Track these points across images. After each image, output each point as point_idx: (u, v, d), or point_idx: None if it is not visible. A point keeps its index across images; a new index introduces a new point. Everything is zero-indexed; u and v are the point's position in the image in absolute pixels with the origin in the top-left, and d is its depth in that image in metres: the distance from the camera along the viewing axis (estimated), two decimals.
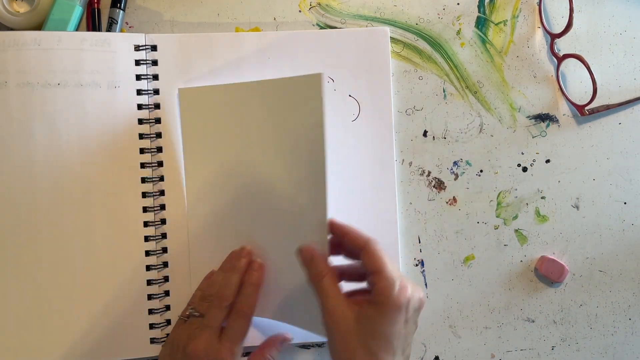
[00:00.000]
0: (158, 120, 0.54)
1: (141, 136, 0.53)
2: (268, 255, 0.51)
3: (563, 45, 0.58)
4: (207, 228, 0.54)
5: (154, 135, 0.54)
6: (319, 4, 0.57)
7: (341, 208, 0.55)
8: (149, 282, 0.53)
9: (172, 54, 0.54)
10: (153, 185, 0.53)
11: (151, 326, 0.53)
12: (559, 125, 0.58)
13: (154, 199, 0.53)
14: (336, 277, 0.45)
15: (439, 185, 0.57)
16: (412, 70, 0.57)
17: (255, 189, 0.52)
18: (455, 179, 0.57)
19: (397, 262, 0.55)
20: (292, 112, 0.48)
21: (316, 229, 0.46)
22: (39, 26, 0.54)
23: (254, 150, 0.51)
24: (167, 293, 0.54)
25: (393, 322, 0.42)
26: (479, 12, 0.58)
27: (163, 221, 0.54)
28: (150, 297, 0.53)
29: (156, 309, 0.53)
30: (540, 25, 0.58)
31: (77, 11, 0.53)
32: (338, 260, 0.47)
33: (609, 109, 0.58)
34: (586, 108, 0.57)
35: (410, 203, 0.57)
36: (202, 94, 0.53)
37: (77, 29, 0.54)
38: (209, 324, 0.49)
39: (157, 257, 0.53)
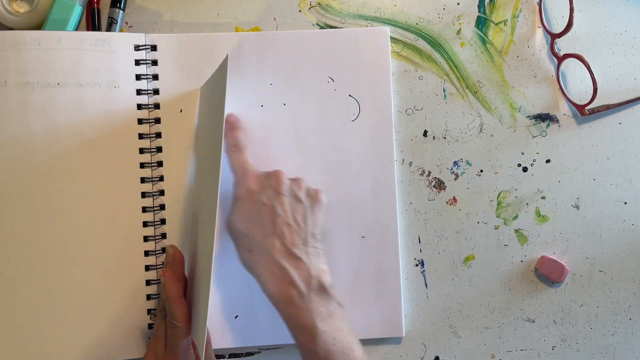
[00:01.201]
0: (158, 120, 0.54)
1: (141, 136, 0.53)
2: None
3: (563, 45, 0.58)
4: (187, 231, 0.54)
5: (154, 135, 0.54)
6: (319, 4, 0.57)
7: (341, 208, 0.55)
8: (148, 282, 0.53)
9: (172, 54, 0.54)
10: (153, 185, 0.53)
11: (150, 326, 0.53)
12: (559, 125, 0.58)
13: (153, 199, 0.53)
14: None
15: (439, 185, 0.57)
16: (412, 70, 0.57)
17: (203, 191, 0.52)
18: (455, 179, 0.57)
19: (395, 259, 0.55)
20: (211, 106, 0.50)
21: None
22: (38, 26, 0.53)
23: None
24: None
25: (245, 208, 0.47)
26: (479, 12, 0.58)
27: (163, 221, 0.54)
28: (149, 297, 0.53)
29: (155, 309, 0.53)
30: (540, 25, 0.58)
31: (77, 11, 0.53)
32: None
33: (609, 109, 0.58)
34: (586, 108, 0.57)
35: (410, 203, 0.57)
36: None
37: (76, 29, 0.54)
38: (155, 333, 0.49)
39: (157, 257, 0.53)
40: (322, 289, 0.45)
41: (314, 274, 0.45)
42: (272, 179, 0.47)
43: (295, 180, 0.48)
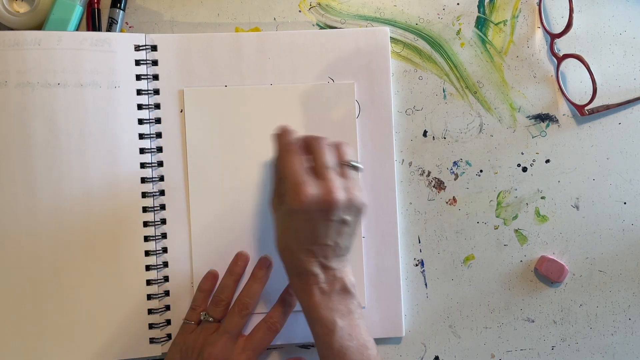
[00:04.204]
0: (158, 120, 0.54)
1: (141, 136, 0.53)
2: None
3: (563, 45, 0.58)
4: (210, 227, 0.54)
5: (154, 135, 0.54)
6: (319, 4, 0.57)
7: None
8: (149, 282, 0.53)
9: (172, 54, 0.54)
10: (153, 185, 0.53)
11: (150, 326, 0.53)
12: (559, 125, 0.58)
13: (154, 199, 0.53)
14: None
15: (439, 185, 0.57)
16: (412, 70, 0.57)
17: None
18: (455, 179, 0.57)
19: (394, 255, 0.56)
20: (327, 115, 0.55)
21: None
22: (39, 26, 0.53)
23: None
24: (167, 293, 0.54)
25: (297, 220, 0.45)
26: (479, 12, 0.58)
27: (163, 221, 0.54)
28: (149, 297, 0.53)
29: (156, 309, 0.53)
30: (540, 25, 0.58)
31: (78, 11, 0.53)
32: None
33: (608, 109, 0.58)
34: (586, 108, 0.57)
35: (410, 203, 0.57)
36: (208, 95, 0.54)
37: (77, 29, 0.54)
38: (229, 330, 0.50)
39: (157, 257, 0.53)
40: (345, 289, 0.46)
41: (338, 276, 0.46)
42: (326, 204, 0.44)
43: (349, 200, 0.45)
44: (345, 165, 0.46)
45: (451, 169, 0.57)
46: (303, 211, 0.44)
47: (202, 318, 0.51)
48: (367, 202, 0.47)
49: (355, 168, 0.47)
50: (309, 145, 0.46)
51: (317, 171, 0.45)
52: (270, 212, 0.49)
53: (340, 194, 0.44)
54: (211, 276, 0.53)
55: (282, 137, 0.47)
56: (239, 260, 0.53)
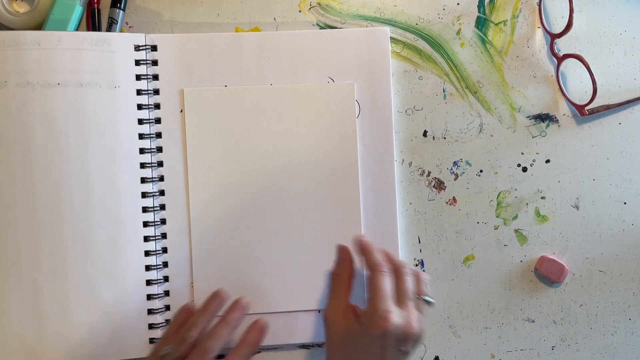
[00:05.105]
0: (158, 120, 0.54)
1: (141, 136, 0.53)
2: (274, 253, 0.54)
3: (563, 45, 0.58)
4: (210, 227, 0.54)
5: (154, 135, 0.54)
6: (319, 4, 0.57)
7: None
8: (149, 282, 0.53)
9: (172, 54, 0.54)
10: (153, 185, 0.53)
11: (150, 326, 0.53)
12: (559, 125, 0.58)
13: (153, 199, 0.53)
14: (349, 282, 0.50)
15: (439, 185, 0.57)
16: (412, 70, 0.57)
17: (270, 191, 0.54)
18: (455, 179, 0.57)
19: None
20: (326, 115, 0.55)
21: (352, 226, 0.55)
22: (39, 26, 0.54)
23: (273, 151, 0.54)
24: (166, 293, 0.54)
25: (370, 344, 0.46)
26: (479, 12, 0.58)
27: (163, 221, 0.54)
28: (149, 297, 0.53)
29: (156, 309, 0.53)
30: (540, 25, 0.58)
31: (77, 11, 0.53)
32: None
33: (609, 109, 0.58)
34: (586, 108, 0.57)
35: (410, 203, 0.57)
36: (208, 95, 0.54)
37: (77, 29, 0.54)
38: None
39: (157, 257, 0.53)
40: None
41: None
42: (404, 335, 0.46)
43: (419, 334, 0.47)
44: (420, 298, 0.49)
45: (451, 169, 0.57)
46: (381, 337, 0.45)
47: (166, 352, 0.47)
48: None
49: (429, 303, 0.49)
50: (395, 270, 0.49)
51: (400, 299, 0.47)
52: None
53: (417, 328, 0.46)
54: (185, 310, 0.51)
55: (371, 255, 0.49)
56: (216, 298, 0.50)
